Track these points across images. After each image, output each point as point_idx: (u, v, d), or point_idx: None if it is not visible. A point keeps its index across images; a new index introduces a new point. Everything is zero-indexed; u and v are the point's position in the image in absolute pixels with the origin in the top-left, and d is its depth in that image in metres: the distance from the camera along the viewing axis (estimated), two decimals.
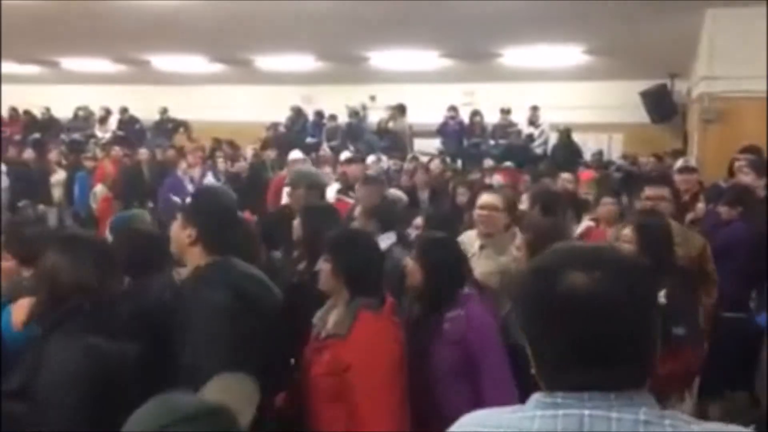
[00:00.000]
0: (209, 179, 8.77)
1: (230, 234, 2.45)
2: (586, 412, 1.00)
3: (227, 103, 13.85)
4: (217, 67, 13.11)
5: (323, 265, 2.48)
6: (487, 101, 11.88)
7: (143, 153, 10.11)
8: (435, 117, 11.94)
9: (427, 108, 12.08)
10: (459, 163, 10.70)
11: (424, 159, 9.57)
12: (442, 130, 11.92)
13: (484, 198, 3.63)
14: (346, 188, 5.99)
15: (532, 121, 11.44)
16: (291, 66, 12.40)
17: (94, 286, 2.03)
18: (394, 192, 5.23)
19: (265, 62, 12.53)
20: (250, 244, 2.97)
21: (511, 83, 11.71)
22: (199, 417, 1.19)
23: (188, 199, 2.50)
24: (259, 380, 2.08)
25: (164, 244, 2.60)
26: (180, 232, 2.38)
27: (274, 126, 12.68)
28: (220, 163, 9.44)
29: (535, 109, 11.38)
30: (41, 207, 9.47)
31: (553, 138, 11.37)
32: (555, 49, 10.37)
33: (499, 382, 2.48)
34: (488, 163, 9.95)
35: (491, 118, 11.78)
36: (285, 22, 9.64)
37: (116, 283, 2.23)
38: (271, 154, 10.33)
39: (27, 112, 14.66)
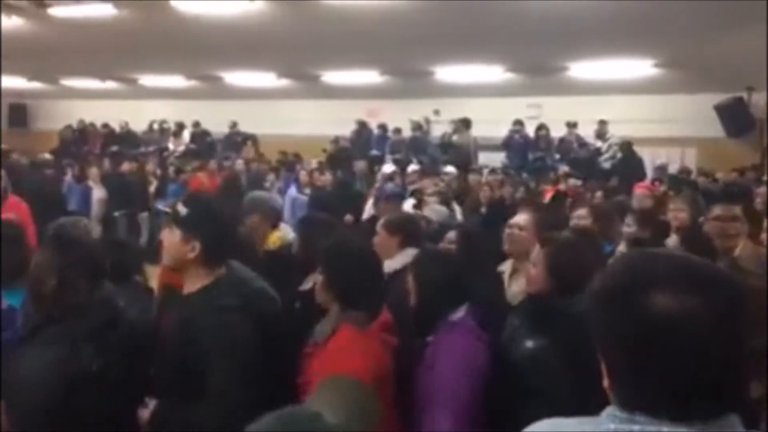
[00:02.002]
0: (292, 192, 8.80)
1: (232, 244, 2.37)
2: (665, 429, 0.93)
3: (294, 117, 14.16)
4: (285, 83, 13.45)
5: (317, 277, 2.41)
6: (553, 115, 11.72)
7: (239, 164, 10.32)
8: (500, 131, 11.87)
9: (491, 121, 12.02)
10: (524, 176, 10.58)
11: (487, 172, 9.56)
12: (507, 144, 11.83)
13: (516, 217, 3.54)
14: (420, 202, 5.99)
15: (600, 135, 11.22)
16: (356, 80, 12.60)
17: (73, 292, 2.07)
18: (436, 207, 5.16)
19: (331, 77, 12.78)
20: (249, 247, 2.95)
21: (577, 97, 11.52)
22: None
23: (182, 210, 2.25)
24: (262, 392, 2.08)
25: (134, 252, 2.63)
26: (180, 246, 2.22)
27: (339, 139, 12.85)
28: (303, 176, 9.28)
29: (603, 123, 11.16)
30: (142, 215, 9.75)
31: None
32: (624, 62, 10.19)
33: (437, 422, 2.21)
34: (562, 169, 9.89)
35: (557, 131, 11.62)
36: (351, 39, 9.84)
37: (95, 289, 2.19)
38: (361, 165, 10.28)
39: (106, 126, 15.36)
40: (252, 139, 13.94)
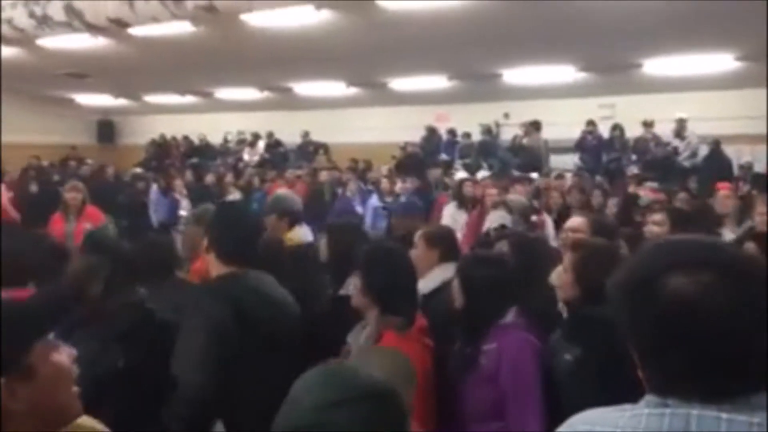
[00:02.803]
0: (373, 201, 8.81)
1: (246, 248, 2.41)
2: (695, 411, 0.94)
3: (363, 124, 14.32)
4: (354, 91, 13.61)
5: (354, 282, 2.41)
6: (627, 114, 11.34)
7: (324, 175, 10.52)
8: (572, 132, 11.58)
9: (563, 123, 11.75)
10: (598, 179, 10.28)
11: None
12: (579, 145, 11.53)
13: (571, 220, 3.44)
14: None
15: (679, 133, 10.75)
16: (424, 86, 12.61)
17: (101, 294, 2.23)
18: (497, 213, 4.97)
19: (400, 84, 12.84)
20: (276, 259, 2.91)
21: (653, 95, 11.10)
22: (375, 396, 1.12)
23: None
24: (270, 399, 2.11)
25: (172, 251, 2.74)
26: (195, 238, 2.47)
27: (408, 146, 12.87)
28: (385, 184, 9.33)
29: (681, 120, 10.69)
30: None
31: (704, 150, 10.61)
32: (702, 56, 9.73)
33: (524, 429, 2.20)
34: (632, 171, 9.56)
35: (633, 131, 11.24)
36: (418, 45, 9.86)
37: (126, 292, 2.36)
38: (436, 172, 10.21)
39: (186, 139, 16.00)
40: (323, 147, 14.18)
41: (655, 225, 3.80)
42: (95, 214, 5.80)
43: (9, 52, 11.37)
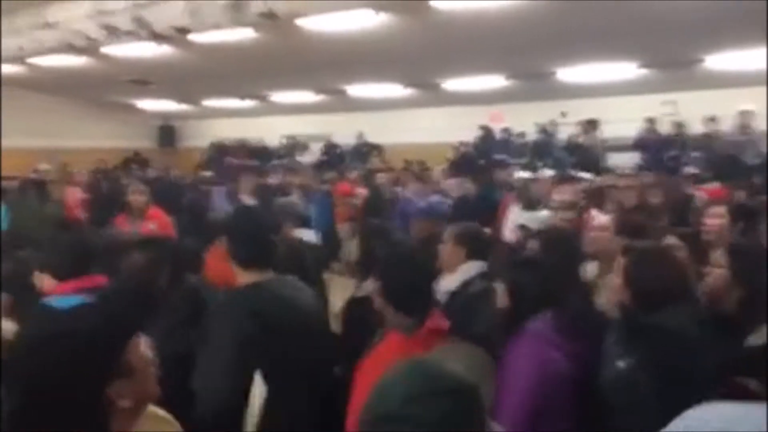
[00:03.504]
0: (434, 199, 8.74)
1: (264, 252, 2.49)
2: None
3: (418, 125, 14.37)
4: (408, 92, 13.66)
5: (374, 284, 2.46)
6: (689, 111, 11.05)
7: (381, 177, 10.53)
8: (631, 130, 11.37)
9: (623, 121, 11.54)
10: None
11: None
12: (639, 144, 11.30)
13: (596, 219, 3.47)
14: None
15: (743, 128, 10.37)
16: (479, 86, 12.57)
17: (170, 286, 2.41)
18: (534, 214, 4.85)
19: (454, 84, 12.83)
20: (295, 261, 2.99)
21: (716, 90, 10.78)
22: (459, 391, 1.17)
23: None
24: (307, 404, 2.22)
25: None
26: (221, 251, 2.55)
27: (461, 146, 12.86)
28: (447, 185, 9.17)
29: (746, 113, 10.29)
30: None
31: None
32: (763, 50, 9.36)
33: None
34: (689, 171, 9.29)
35: (695, 128, 10.94)
36: (473, 45, 9.85)
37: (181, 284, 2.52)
38: (501, 173, 9.97)
39: (244, 142, 16.37)
40: (378, 148, 14.30)
41: (714, 218, 3.64)
42: (159, 215, 6.01)
43: (77, 60, 11.88)
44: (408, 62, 11.45)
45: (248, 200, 9.86)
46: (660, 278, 2.32)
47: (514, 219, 6.30)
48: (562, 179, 7.40)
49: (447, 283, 2.87)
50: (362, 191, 9.12)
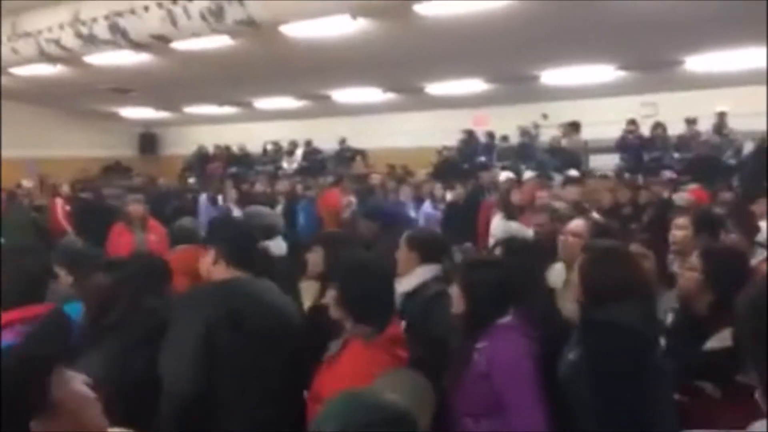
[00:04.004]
0: (427, 207, 8.77)
1: (246, 255, 2.62)
2: None
3: (401, 129, 14.37)
4: (391, 96, 13.67)
5: (331, 293, 2.45)
6: (670, 112, 11.13)
7: (375, 178, 10.64)
8: (612, 132, 11.43)
9: (603, 123, 11.60)
10: (639, 179, 10.13)
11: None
12: (620, 145, 11.36)
13: (572, 223, 3.46)
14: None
15: (719, 129, 10.47)
16: (461, 90, 12.60)
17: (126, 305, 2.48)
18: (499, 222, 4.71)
19: (436, 88, 12.85)
20: (269, 266, 3.07)
21: (695, 91, 10.88)
22: (396, 421, 1.19)
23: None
24: (269, 406, 2.25)
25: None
26: (203, 258, 2.64)
27: (444, 150, 12.87)
28: (438, 190, 9.23)
29: (722, 114, 10.41)
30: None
31: (749, 147, 10.33)
32: (744, 51, 9.49)
33: (526, 423, 2.26)
34: (667, 175, 9.34)
35: (675, 129, 11.03)
36: (454, 49, 9.87)
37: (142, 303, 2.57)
38: (486, 175, 9.93)
39: (227, 148, 16.28)
40: (361, 153, 14.28)
41: (678, 229, 3.64)
42: (157, 227, 6.00)
43: (56, 69, 11.75)
44: (390, 67, 11.45)
45: (234, 208, 9.85)
46: (610, 276, 2.40)
47: (496, 227, 6.26)
48: (542, 183, 7.42)
49: (401, 286, 2.90)
50: (350, 199, 9.12)
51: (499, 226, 6.15)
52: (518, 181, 8.36)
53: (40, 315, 2.60)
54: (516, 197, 6.68)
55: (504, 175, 9.22)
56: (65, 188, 10.83)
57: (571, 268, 2.90)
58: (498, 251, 3.16)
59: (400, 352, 2.39)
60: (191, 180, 12.56)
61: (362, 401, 1.23)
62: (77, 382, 1.32)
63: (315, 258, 3.25)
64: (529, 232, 4.37)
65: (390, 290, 2.52)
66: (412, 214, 8.75)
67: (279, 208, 10.23)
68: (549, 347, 2.47)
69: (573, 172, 9.47)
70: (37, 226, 8.77)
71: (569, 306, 2.76)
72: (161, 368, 2.32)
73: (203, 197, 10.22)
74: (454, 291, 2.52)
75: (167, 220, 7.39)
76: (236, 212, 9.65)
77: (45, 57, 10.51)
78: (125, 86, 13.84)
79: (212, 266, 2.60)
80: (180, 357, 2.31)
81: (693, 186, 8.11)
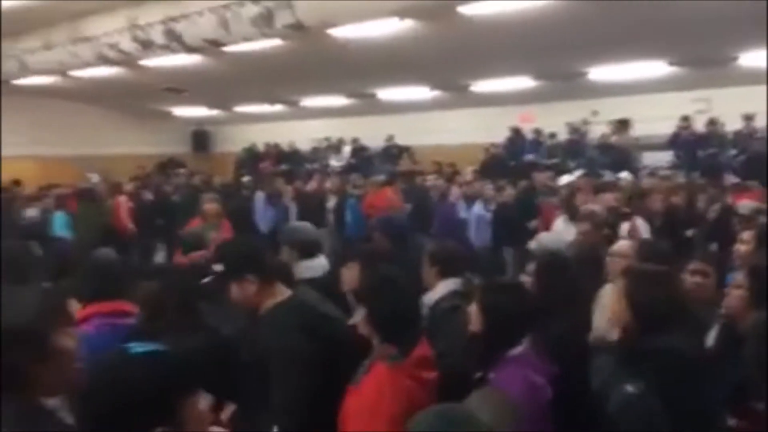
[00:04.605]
0: (478, 208, 8.67)
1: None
2: None
3: (447, 127, 14.37)
4: (438, 94, 13.68)
5: (360, 311, 2.45)
6: (723, 108, 10.84)
7: (429, 179, 10.60)
8: (664, 128, 11.20)
9: (655, 119, 11.37)
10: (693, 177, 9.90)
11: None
12: (673, 142, 11.13)
13: (617, 245, 3.39)
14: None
15: None
16: (507, 87, 12.52)
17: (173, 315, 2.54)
18: (545, 236, 4.62)
19: (483, 85, 12.80)
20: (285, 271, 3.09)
21: (752, 87, 10.55)
22: None
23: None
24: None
25: None
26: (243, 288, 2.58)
27: (491, 147, 12.82)
28: (488, 190, 9.01)
29: None
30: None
31: None
32: None
33: None
34: (730, 180, 9.05)
35: (730, 126, 10.73)
36: (502, 47, 9.83)
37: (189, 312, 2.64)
38: (541, 176, 9.59)
39: (277, 146, 16.57)
40: (407, 151, 14.34)
41: (742, 244, 3.55)
42: (228, 227, 6.25)
43: (113, 71, 12.18)
44: (437, 65, 11.47)
45: (291, 205, 9.99)
46: (662, 300, 2.32)
47: (559, 230, 6.03)
48: (602, 186, 7.17)
49: (425, 300, 2.97)
50: (398, 202, 9.09)
51: (561, 228, 6.02)
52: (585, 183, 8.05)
53: (117, 310, 2.83)
54: (581, 199, 6.51)
55: (566, 178, 9.05)
56: (128, 186, 11.14)
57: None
58: (532, 268, 3.12)
59: (426, 374, 2.37)
60: (245, 178, 12.79)
61: (452, 416, 1.31)
62: (202, 402, 1.37)
63: (350, 275, 3.23)
64: (563, 243, 4.21)
65: (416, 309, 2.52)
66: (463, 215, 8.73)
67: (330, 205, 10.45)
68: (566, 378, 2.43)
69: (624, 174, 9.28)
70: (106, 223, 9.16)
71: (599, 325, 2.72)
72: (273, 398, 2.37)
73: (259, 195, 10.38)
74: (473, 310, 2.49)
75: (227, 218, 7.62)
76: (293, 209, 9.87)
77: (103, 60, 10.89)
78: (179, 86, 14.23)
79: (256, 291, 2.56)
80: (290, 400, 2.38)
81: (752, 184, 7.90)
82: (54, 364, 1.48)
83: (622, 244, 3.42)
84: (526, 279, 3.12)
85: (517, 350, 2.37)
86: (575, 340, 2.75)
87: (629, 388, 2.26)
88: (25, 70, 12.28)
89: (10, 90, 13.74)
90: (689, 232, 6.54)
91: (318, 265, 3.64)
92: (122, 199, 10.15)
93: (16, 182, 11.09)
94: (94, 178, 11.34)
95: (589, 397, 2.47)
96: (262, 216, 9.80)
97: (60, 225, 8.82)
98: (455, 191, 9.18)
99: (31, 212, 9.58)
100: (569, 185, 7.46)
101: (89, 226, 8.48)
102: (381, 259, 3.34)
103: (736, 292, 2.57)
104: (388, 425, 2.16)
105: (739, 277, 2.63)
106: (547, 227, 6.47)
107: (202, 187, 10.92)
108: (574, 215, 5.96)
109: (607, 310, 2.66)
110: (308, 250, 3.65)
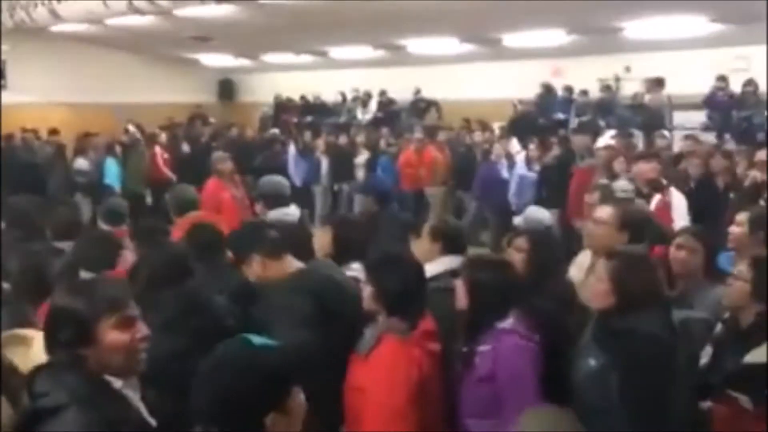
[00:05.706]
0: (521, 168, 8.50)
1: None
2: None
3: (476, 81, 14.12)
4: (467, 47, 13.43)
5: (365, 287, 2.52)
6: (761, 67, 10.50)
7: (477, 136, 10.23)
8: (700, 87, 10.89)
9: (690, 77, 11.07)
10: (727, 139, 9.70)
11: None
12: (708, 102, 10.83)
13: (599, 209, 3.34)
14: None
15: None
16: (540, 41, 12.25)
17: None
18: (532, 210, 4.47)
19: (514, 39, 12.53)
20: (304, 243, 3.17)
21: None
22: None
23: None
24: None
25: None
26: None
27: (520, 103, 12.61)
28: (532, 151, 8.75)
29: None
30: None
31: None
32: None
33: None
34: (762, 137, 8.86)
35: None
36: None
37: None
38: (581, 139, 8.51)
39: (302, 98, 16.47)
40: (435, 105, 14.18)
41: (736, 225, 3.43)
42: (240, 184, 6.43)
43: (144, 20, 12.16)
44: (467, 17, 11.24)
45: (324, 159, 10.00)
46: (644, 285, 2.39)
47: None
48: (640, 155, 6.84)
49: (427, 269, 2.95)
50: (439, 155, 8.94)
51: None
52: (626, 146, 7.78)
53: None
54: (619, 165, 6.31)
55: (603, 141, 8.74)
56: (163, 137, 11.08)
57: (597, 257, 2.85)
58: (522, 242, 3.09)
59: (432, 346, 2.49)
60: (274, 130, 12.79)
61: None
62: (301, 398, 1.52)
63: (323, 239, 3.29)
64: (547, 216, 4.14)
65: (423, 284, 2.58)
66: (505, 174, 8.61)
67: (358, 160, 10.47)
68: (551, 351, 2.49)
69: (659, 138, 8.98)
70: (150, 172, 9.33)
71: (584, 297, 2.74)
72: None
73: (292, 149, 10.40)
74: (459, 286, 2.55)
75: (255, 173, 7.70)
76: (325, 163, 9.91)
77: (133, 9, 10.86)
78: (206, 34, 14.15)
79: (269, 263, 2.72)
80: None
81: None
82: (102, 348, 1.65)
83: (604, 210, 3.30)
84: (513, 253, 3.08)
85: (507, 322, 2.45)
86: (563, 313, 2.81)
87: (591, 361, 2.36)
88: (57, 18, 12.30)
89: (44, 36, 13.80)
90: (731, 196, 6.34)
91: (293, 211, 4.20)
92: (158, 150, 10.24)
93: (54, 131, 11.13)
94: (131, 128, 11.37)
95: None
96: (294, 170, 9.86)
97: (112, 174, 8.97)
98: (498, 149, 9.05)
99: (80, 163, 9.62)
100: (607, 148, 7.19)
101: (135, 176, 8.64)
102: (354, 227, 3.46)
103: (738, 283, 2.55)
104: (408, 393, 2.30)
105: (741, 267, 2.59)
106: (580, 192, 6.23)
107: (238, 140, 10.94)
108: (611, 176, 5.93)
109: (583, 277, 2.81)
110: (278, 201, 4.26)
